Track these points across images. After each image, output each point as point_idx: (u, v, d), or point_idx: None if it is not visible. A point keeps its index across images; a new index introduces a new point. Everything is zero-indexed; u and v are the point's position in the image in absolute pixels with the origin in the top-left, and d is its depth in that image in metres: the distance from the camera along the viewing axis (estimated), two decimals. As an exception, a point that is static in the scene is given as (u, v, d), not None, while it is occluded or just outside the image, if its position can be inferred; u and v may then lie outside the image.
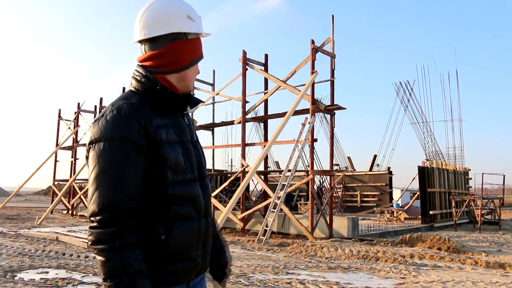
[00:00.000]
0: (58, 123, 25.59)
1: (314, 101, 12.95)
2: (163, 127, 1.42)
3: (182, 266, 1.42)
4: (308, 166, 14.16)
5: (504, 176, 20.54)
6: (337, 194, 23.41)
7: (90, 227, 1.31)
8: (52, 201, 22.57)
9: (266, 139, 15.21)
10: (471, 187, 21.31)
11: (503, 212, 21.27)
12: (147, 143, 1.37)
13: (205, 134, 17.96)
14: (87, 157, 1.38)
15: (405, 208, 19.94)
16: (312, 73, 12.98)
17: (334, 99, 13.06)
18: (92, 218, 1.30)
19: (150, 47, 1.50)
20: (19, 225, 15.45)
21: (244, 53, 14.62)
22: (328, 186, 17.19)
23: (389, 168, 24.15)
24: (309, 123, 12.77)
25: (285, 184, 12.05)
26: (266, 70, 15.16)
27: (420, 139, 21.04)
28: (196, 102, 1.59)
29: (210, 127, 17.69)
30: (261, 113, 16.61)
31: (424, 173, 16.93)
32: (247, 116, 15.01)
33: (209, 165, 18.26)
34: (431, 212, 16.63)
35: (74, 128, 24.12)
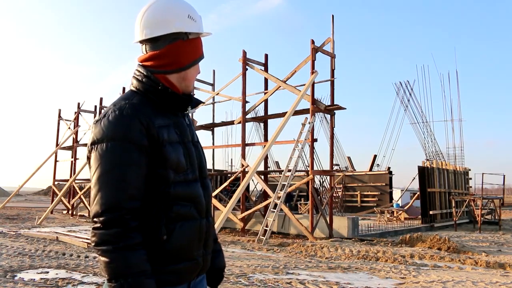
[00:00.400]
0: (58, 123, 25.59)
1: (314, 101, 12.95)
2: (165, 127, 1.42)
3: (184, 266, 1.42)
4: (308, 166, 14.16)
5: (504, 176, 20.57)
6: (337, 194, 23.41)
7: (93, 228, 1.30)
8: (52, 201, 22.57)
9: (266, 139, 15.21)
10: (471, 187, 21.31)
11: (503, 212, 21.27)
12: (150, 143, 1.37)
13: (205, 134, 17.97)
14: (88, 158, 1.38)
15: (405, 208, 19.94)
16: (312, 73, 12.99)
17: (334, 99, 13.07)
18: (95, 219, 1.30)
19: (151, 47, 1.50)
20: (19, 225, 15.45)
21: (244, 53, 14.62)
22: (328, 186, 17.19)
23: (389, 168, 24.16)
24: (309, 123, 12.77)
25: (285, 184, 12.05)
26: (266, 70, 15.16)
27: (420, 139, 21.06)
28: (196, 103, 1.59)
29: (210, 127, 17.69)
30: (261, 113, 16.62)
31: (424, 173, 16.93)
32: (247, 116, 15.01)
33: (209, 165, 18.25)
34: (431, 212, 16.63)
35: (74, 128, 24.11)
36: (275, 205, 11.84)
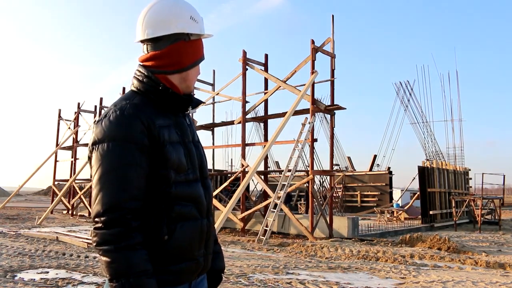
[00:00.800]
0: (58, 123, 25.59)
1: (314, 101, 12.95)
2: (165, 127, 1.42)
3: (185, 266, 1.42)
4: (308, 166, 14.16)
5: (504, 176, 20.54)
6: (337, 194, 23.41)
7: (95, 228, 1.31)
8: (52, 201, 22.57)
9: (266, 139, 15.22)
10: (471, 187, 21.31)
11: (503, 212, 21.27)
12: (151, 143, 1.37)
13: (205, 134, 17.97)
14: (89, 158, 1.38)
15: (405, 208, 19.94)
16: (312, 73, 12.99)
17: (334, 99, 13.07)
18: (96, 219, 1.30)
19: (153, 47, 1.50)
20: (19, 225, 15.45)
21: (244, 53, 14.62)
22: (328, 186, 17.19)
23: (389, 168, 24.16)
24: (309, 123, 12.77)
25: (285, 184, 12.05)
26: (266, 70, 15.17)
27: (420, 139, 21.05)
28: (197, 103, 1.59)
29: (210, 127, 17.69)
30: (261, 113, 16.62)
31: (424, 173, 16.94)
32: (247, 116, 15.01)
33: (209, 165, 18.14)
34: (431, 212, 16.63)
35: (74, 128, 24.11)
36: (275, 205, 11.84)
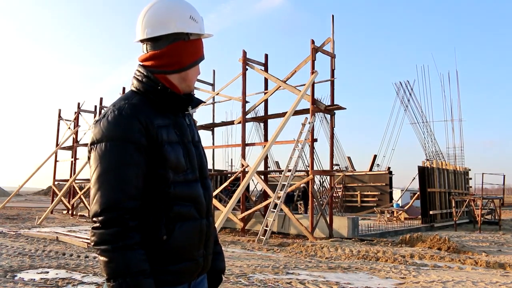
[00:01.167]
0: (58, 123, 25.59)
1: (314, 101, 12.95)
2: (164, 127, 1.42)
3: (184, 267, 1.42)
4: (308, 166, 14.16)
5: (504, 176, 20.54)
6: (337, 194, 23.40)
7: (93, 228, 1.31)
8: (52, 201, 22.57)
9: (266, 139, 15.22)
10: (471, 187, 21.31)
11: (503, 212, 21.27)
12: (149, 143, 1.37)
13: (205, 134, 17.98)
14: (89, 158, 1.38)
15: (405, 208, 19.94)
16: (312, 73, 12.99)
17: (334, 99, 13.07)
18: (94, 219, 1.30)
19: (152, 46, 1.50)
20: (19, 225, 15.45)
21: (244, 53, 14.62)
22: (328, 186, 17.19)
23: (389, 168, 24.15)
24: (309, 123, 12.77)
25: (285, 184, 12.05)
26: (266, 70, 15.17)
27: (420, 139, 21.05)
28: (197, 103, 1.59)
29: (210, 127, 17.70)
30: (261, 113, 16.62)
31: (424, 173, 16.94)
32: (247, 116, 15.01)
33: (209, 165, 18.18)
34: (431, 212, 16.63)
35: (74, 128, 24.11)
36: (275, 205, 11.84)
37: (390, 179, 24.10)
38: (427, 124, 21.27)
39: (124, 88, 20.76)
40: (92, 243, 1.31)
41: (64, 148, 24.96)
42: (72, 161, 23.87)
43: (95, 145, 1.35)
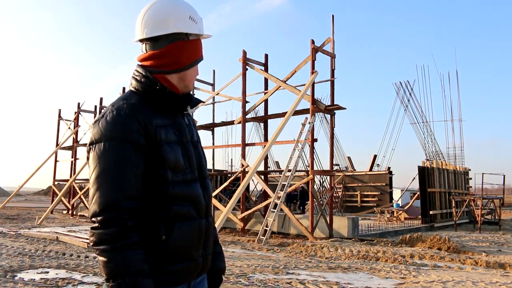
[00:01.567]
0: (58, 123, 25.60)
1: (314, 101, 12.95)
2: (163, 127, 1.42)
3: (183, 267, 1.42)
4: (308, 166, 14.16)
5: (504, 176, 20.53)
6: (337, 194, 23.40)
7: (92, 228, 1.31)
8: (52, 201, 22.57)
9: (266, 139, 15.22)
10: (471, 187, 21.30)
11: (503, 212, 21.26)
12: (147, 143, 1.37)
13: (205, 134, 17.98)
14: (88, 158, 1.38)
15: (405, 208, 19.93)
16: (312, 73, 12.99)
17: (334, 99, 13.07)
18: (93, 219, 1.30)
19: (151, 46, 1.50)
20: (19, 225, 15.45)
21: (244, 53, 14.62)
22: (328, 186, 17.19)
23: (389, 168, 24.15)
24: (309, 123, 12.77)
25: (285, 184, 12.05)
26: (266, 70, 15.17)
27: (420, 139, 21.05)
28: (196, 102, 1.59)
29: (210, 127, 17.69)
30: (261, 113, 16.62)
31: (424, 173, 16.93)
32: (247, 116, 15.01)
33: (209, 165, 18.25)
34: (431, 212, 16.63)
35: (74, 128, 24.12)
36: (275, 205, 11.84)
37: (390, 179, 24.10)
38: (427, 124, 21.29)
39: (124, 88, 20.78)
40: (91, 243, 1.31)
41: (64, 148, 24.96)
42: (72, 161, 23.87)
43: (94, 145, 1.35)
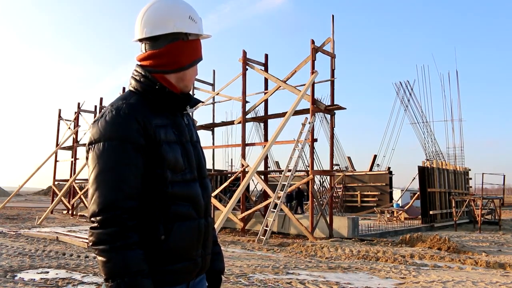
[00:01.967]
0: (58, 123, 25.60)
1: (314, 101, 12.95)
2: (162, 127, 1.42)
3: (182, 266, 1.42)
4: (308, 166, 14.16)
5: (504, 176, 20.55)
6: (337, 194, 23.40)
7: (91, 228, 1.31)
8: (52, 201, 22.58)
9: (266, 139, 15.21)
10: (471, 187, 21.30)
11: (503, 212, 21.27)
12: (147, 143, 1.37)
13: (205, 134, 17.99)
14: (87, 158, 1.38)
15: (405, 208, 19.93)
16: (312, 73, 12.99)
17: (334, 99, 13.08)
18: (92, 219, 1.30)
19: (151, 46, 1.50)
20: (19, 225, 15.45)
21: (244, 53, 14.62)
22: (328, 186, 17.20)
23: (389, 168, 24.16)
24: (309, 123, 12.77)
25: (285, 184, 12.05)
26: (266, 70, 15.17)
27: (420, 139, 21.05)
28: (195, 102, 1.58)
29: (210, 127, 17.69)
30: (261, 113, 16.63)
31: (424, 173, 16.93)
32: (247, 116, 15.01)
33: (209, 165, 18.27)
34: (431, 212, 16.63)
35: (74, 128, 24.13)
36: (275, 205, 11.84)
37: (390, 179, 24.11)
38: (427, 124, 21.29)
39: (124, 88, 20.78)
40: (91, 243, 1.31)
41: (64, 148, 24.97)
42: (72, 161, 23.88)
43: (93, 145, 1.35)
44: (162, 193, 1.39)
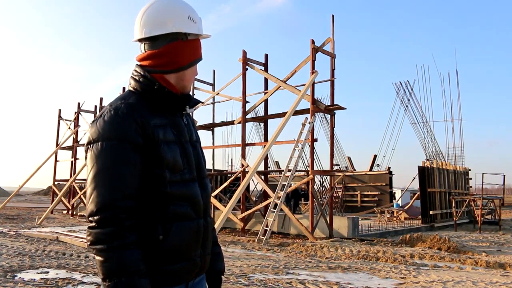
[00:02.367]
0: (58, 123, 25.61)
1: (314, 101, 12.95)
2: (161, 126, 1.42)
3: (181, 267, 1.42)
4: (308, 166, 14.16)
5: (504, 176, 20.56)
6: (337, 194, 23.40)
7: (89, 227, 1.31)
8: (52, 201, 22.57)
9: (266, 139, 15.21)
10: (471, 187, 21.29)
11: (503, 212, 21.26)
12: (145, 143, 1.37)
13: (205, 134, 17.98)
14: (86, 158, 1.38)
15: (405, 208, 19.93)
16: (312, 73, 12.98)
17: (334, 99, 13.07)
18: (90, 218, 1.30)
19: (150, 46, 1.50)
20: (19, 225, 15.45)
21: (244, 53, 14.62)
22: (328, 186, 17.20)
23: (389, 168, 24.15)
24: (309, 123, 12.77)
25: (285, 184, 12.05)
26: (266, 70, 15.16)
27: (420, 139, 21.04)
28: (195, 103, 1.58)
29: (210, 127, 17.69)
30: (261, 113, 16.61)
31: (424, 173, 16.93)
32: (247, 116, 15.01)
33: (209, 165, 18.27)
34: (431, 212, 16.62)
35: (74, 128, 24.14)
36: (275, 205, 11.83)
37: (390, 179, 24.10)
38: (427, 124, 21.27)
39: (124, 88, 20.78)
40: (88, 243, 1.31)
41: (64, 148, 24.97)
42: (72, 161, 23.88)
43: (92, 145, 1.35)
44: (160, 193, 1.39)
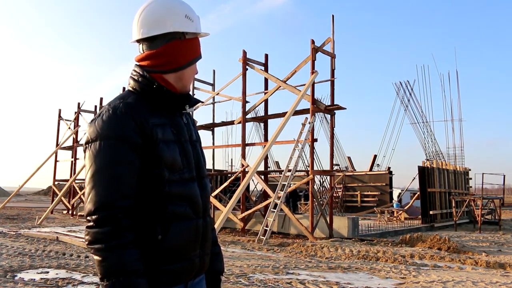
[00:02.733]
0: (58, 123, 25.61)
1: (314, 101, 12.95)
2: (160, 126, 1.42)
3: (180, 267, 1.41)
4: (308, 166, 14.16)
5: (504, 176, 20.54)
6: (337, 194, 23.39)
7: (87, 227, 1.31)
8: (52, 201, 22.57)
9: (266, 139, 15.21)
10: (471, 187, 21.28)
11: (503, 212, 21.25)
12: (144, 142, 1.37)
13: (205, 134, 17.97)
14: (84, 157, 1.38)
15: (405, 208, 19.93)
16: (312, 73, 12.98)
17: (334, 99, 13.07)
18: (88, 218, 1.30)
19: (148, 46, 1.50)
20: (19, 225, 15.46)
21: (244, 53, 14.62)
22: (328, 186, 17.19)
23: (389, 168, 24.14)
24: (309, 123, 12.77)
25: (285, 184, 12.05)
26: (266, 70, 15.16)
27: (420, 139, 21.03)
28: (194, 102, 1.58)
29: (210, 127, 17.69)
30: (261, 113, 16.62)
31: (424, 173, 16.92)
32: (247, 116, 15.01)
33: (209, 165, 18.26)
34: (431, 212, 16.62)
35: (74, 128, 24.15)
36: (275, 205, 11.83)
37: (390, 179, 24.10)
38: (427, 124, 21.26)
39: (123, 88, 20.76)
40: (87, 242, 1.31)
41: (64, 148, 24.98)
42: (72, 161, 23.89)
43: (90, 144, 1.35)
44: (159, 192, 1.38)
